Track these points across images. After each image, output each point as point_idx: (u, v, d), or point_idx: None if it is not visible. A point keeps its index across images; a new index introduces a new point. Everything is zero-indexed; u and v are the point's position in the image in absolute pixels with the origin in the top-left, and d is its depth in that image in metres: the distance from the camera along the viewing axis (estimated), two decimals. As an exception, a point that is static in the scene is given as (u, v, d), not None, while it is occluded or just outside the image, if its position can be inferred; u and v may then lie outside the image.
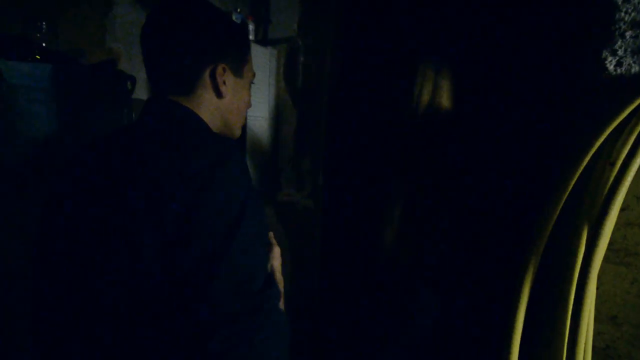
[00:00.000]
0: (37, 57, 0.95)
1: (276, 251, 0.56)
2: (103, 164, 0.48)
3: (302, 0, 1.20)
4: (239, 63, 0.58)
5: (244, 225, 0.43)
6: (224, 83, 0.55)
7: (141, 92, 1.25)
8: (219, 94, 0.55)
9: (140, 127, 0.51)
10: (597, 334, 0.69)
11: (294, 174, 1.31)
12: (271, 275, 0.49)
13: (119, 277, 0.43)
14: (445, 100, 0.85)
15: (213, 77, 0.54)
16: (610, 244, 0.67)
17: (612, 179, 0.60)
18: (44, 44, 1.04)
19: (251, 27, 1.22)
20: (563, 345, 0.60)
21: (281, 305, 0.50)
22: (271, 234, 0.59)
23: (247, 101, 0.61)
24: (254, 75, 0.62)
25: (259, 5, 1.28)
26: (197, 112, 0.53)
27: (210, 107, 0.55)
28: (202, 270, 0.40)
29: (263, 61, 1.22)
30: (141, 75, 1.26)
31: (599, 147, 0.63)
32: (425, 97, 0.85)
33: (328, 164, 1.22)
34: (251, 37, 1.22)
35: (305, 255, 1.28)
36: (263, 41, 1.26)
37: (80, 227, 0.46)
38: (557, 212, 0.63)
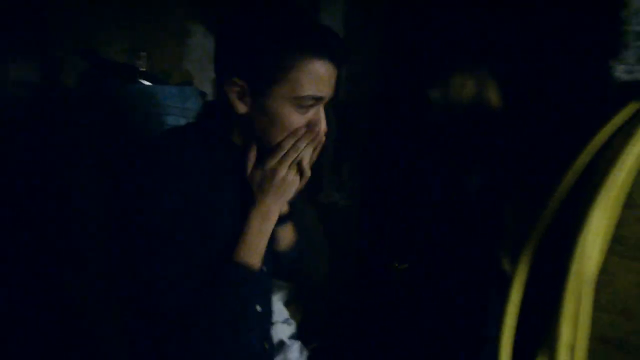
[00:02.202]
0: (140, 79, 1.30)
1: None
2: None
3: (346, 13, 1.43)
4: (261, 81, 0.52)
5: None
6: (239, 99, 0.54)
7: (210, 105, 1.58)
8: (235, 108, 0.54)
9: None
10: (610, 324, 0.76)
11: (334, 177, 1.51)
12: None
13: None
14: (489, 95, 0.99)
15: (227, 90, 0.53)
16: (622, 239, 0.75)
17: (601, 175, 0.69)
18: (143, 69, 1.41)
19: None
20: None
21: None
22: None
23: (290, 123, 0.55)
24: (310, 96, 0.54)
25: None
26: (231, 124, 0.58)
27: (232, 119, 0.58)
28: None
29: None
30: (209, 91, 1.60)
31: (602, 146, 0.73)
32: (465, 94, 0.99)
33: (366, 168, 1.40)
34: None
35: (343, 252, 1.46)
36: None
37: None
38: (559, 198, 0.73)
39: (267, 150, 0.57)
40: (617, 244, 0.75)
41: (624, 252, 0.75)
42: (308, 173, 0.59)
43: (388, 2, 1.29)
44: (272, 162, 0.56)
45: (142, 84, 1.23)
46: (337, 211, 1.50)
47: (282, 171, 0.56)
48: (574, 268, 0.66)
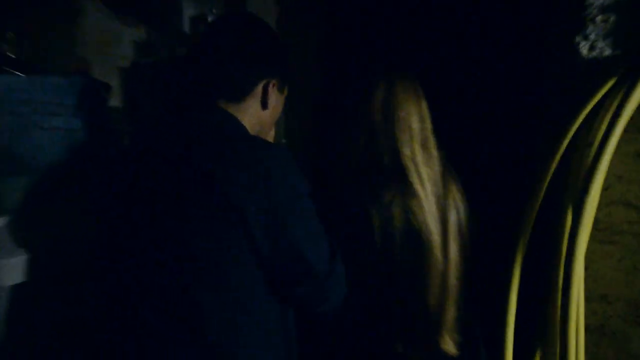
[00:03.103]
0: (5, 68, 0.98)
1: None
2: (158, 160, 0.59)
3: (280, 4, 1.26)
4: (284, 81, 0.71)
5: (302, 209, 0.58)
6: (270, 97, 0.67)
7: (115, 100, 1.28)
8: (264, 106, 0.67)
9: (193, 127, 0.61)
10: (591, 313, 0.75)
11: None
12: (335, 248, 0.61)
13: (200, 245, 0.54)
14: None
15: (265, 90, 0.66)
16: (596, 223, 0.73)
17: (590, 159, 0.67)
18: (12, 55, 1.07)
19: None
20: (556, 325, 0.66)
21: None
22: None
23: (279, 114, 0.74)
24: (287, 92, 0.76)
25: (235, 8, 1.34)
26: (241, 119, 0.65)
27: (254, 116, 0.67)
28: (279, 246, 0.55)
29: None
30: (114, 83, 1.29)
31: (577, 129, 0.70)
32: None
33: (311, 173, 1.27)
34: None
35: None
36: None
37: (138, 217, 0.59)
38: (541, 195, 0.70)
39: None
40: (593, 228, 0.74)
41: (599, 237, 0.74)
42: None
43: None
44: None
45: (9, 74, 0.92)
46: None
47: None
48: (576, 270, 0.62)
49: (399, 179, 0.63)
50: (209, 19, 1.32)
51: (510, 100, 0.87)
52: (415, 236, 0.62)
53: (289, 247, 0.55)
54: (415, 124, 0.66)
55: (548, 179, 0.70)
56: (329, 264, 0.59)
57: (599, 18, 0.72)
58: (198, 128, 0.60)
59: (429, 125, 0.68)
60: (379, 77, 0.67)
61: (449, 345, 0.63)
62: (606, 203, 0.73)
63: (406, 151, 0.64)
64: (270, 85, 0.66)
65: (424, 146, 0.66)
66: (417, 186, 0.63)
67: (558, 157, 0.70)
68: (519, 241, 0.69)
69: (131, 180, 0.61)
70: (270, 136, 0.75)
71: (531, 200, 0.70)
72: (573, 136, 0.70)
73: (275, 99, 0.69)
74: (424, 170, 0.64)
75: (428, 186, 0.64)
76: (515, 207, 0.72)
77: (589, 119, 0.69)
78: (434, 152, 0.67)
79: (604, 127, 0.67)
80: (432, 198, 0.64)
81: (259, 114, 0.67)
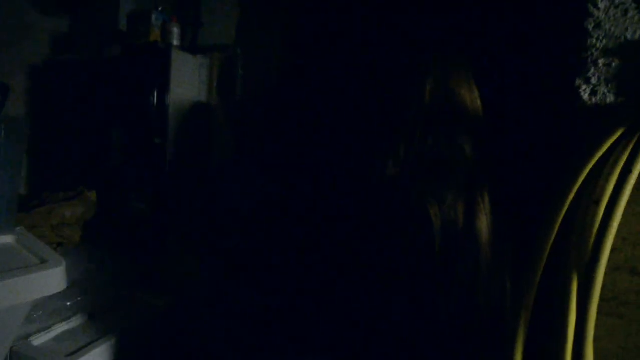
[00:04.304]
0: None
1: None
2: None
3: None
4: None
5: None
6: None
7: (18, 107, 1.04)
8: None
9: None
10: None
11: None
12: None
13: None
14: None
15: None
16: (601, 292, 0.67)
17: (599, 219, 0.61)
18: None
19: (176, 30, 1.12)
20: None
21: None
22: None
23: None
24: None
25: (187, 4, 1.20)
26: None
27: None
28: None
29: (191, 73, 1.12)
30: (19, 83, 1.07)
31: (581, 185, 0.64)
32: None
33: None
34: (175, 42, 1.12)
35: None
36: (192, 48, 1.16)
37: None
38: (543, 262, 0.62)
39: None
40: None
41: (604, 309, 0.68)
42: None
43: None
44: None
45: None
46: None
47: None
48: (587, 352, 0.54)
49: (462, 181, 0.65)
50: (154, 17, 1.16)
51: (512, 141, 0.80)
52: (474, 240, 0.63)
53: None
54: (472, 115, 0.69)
55: (550, 242, 0.62)
56: None
57: (601, 61, 0.68)
58: None
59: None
60: (431, 65, 0.68)
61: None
62: (611, 268, 0.67)
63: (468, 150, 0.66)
64: None
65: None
66: (479, 190, 0.65)
67: (560, 217, 0.63)
68: (520, 318, 0.60)
69: None
70: None
71: (532, 268, 0.62)
72: (577, 192, 0.64)
73: None
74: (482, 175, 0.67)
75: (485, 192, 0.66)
76: (514, 276, 0.64)
77: (594, 173, 0.64)
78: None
79: (612, 183, 0.61)
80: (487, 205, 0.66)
81: None
